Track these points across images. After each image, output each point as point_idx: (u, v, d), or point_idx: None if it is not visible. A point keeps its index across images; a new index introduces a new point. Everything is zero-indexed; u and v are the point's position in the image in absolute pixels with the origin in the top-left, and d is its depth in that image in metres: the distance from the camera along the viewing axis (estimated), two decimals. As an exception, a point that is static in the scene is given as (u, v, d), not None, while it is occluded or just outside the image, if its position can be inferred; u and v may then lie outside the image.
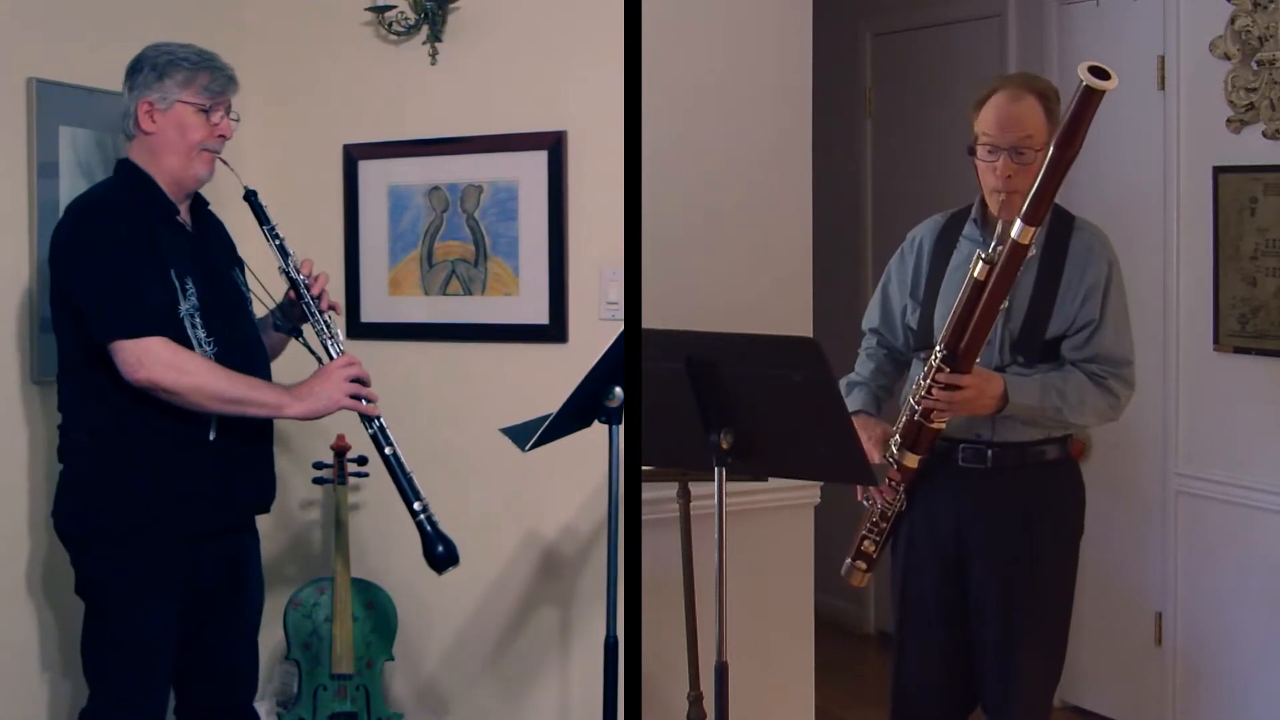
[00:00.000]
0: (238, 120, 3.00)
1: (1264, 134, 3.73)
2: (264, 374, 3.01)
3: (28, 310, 3.23)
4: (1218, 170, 3.86)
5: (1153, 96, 4.07)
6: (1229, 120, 3.81)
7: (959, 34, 4.83)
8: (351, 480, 3.67)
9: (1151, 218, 4.09)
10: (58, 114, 3.26)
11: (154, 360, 2.74)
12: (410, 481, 2.93)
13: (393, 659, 3.70)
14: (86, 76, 3.31)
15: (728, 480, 2.56)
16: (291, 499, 3.88)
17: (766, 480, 3.15)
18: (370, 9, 3.73)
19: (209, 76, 2.91)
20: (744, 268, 3.53)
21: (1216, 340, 3.91)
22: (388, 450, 2.93)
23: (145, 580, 2.85)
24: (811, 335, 3.31)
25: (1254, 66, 3.74)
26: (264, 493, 3.07)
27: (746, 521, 3.37)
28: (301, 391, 2.89)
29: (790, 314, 3.52)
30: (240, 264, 3.12)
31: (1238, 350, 3.86)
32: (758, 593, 3.53)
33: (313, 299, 2.98)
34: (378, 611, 3.67)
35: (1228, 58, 3.80)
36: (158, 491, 2.83)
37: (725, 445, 2.54)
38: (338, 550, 3.65)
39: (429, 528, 2.92)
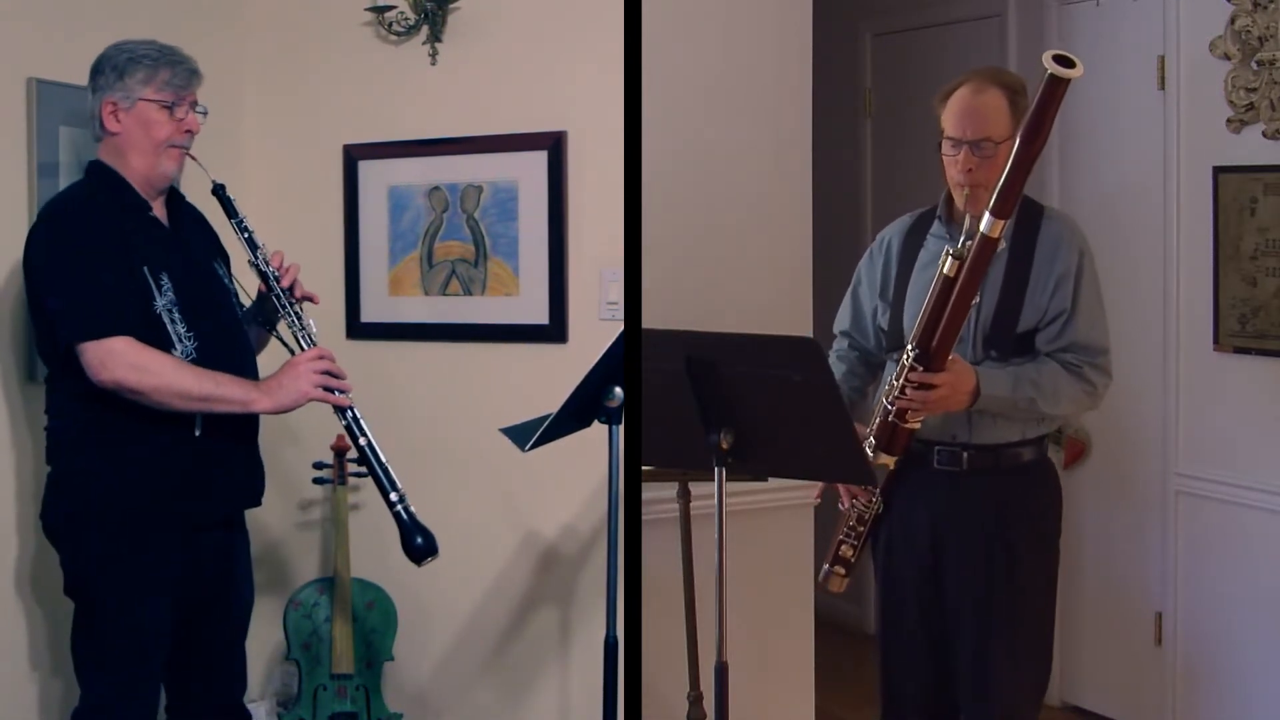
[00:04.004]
0: (205, 114, 2.97)
1: (1264, 134, 3.73)
2: (249, 365, 3.01)
3: (25, 310, 3.23)
4: (1218, 170, 3.86)
5: (1153, 96, 4.07)
6: (1229, 120, 3.81)
7: (959, 34, 4.83)
8: (351, 480, 3.67)
9: (1151, 218, 4.09)
10: (58, 114, 3.26)
11: (117, 361, 2.73)
12: (386, 472, 2.92)
13: (393, 659, 3.70)
14: (86, 76, 3.30)
15: (728, 480, 2.56)
16: (291, 499, 3.88)
17: (766, 480, 3.15)
18: (370, 9, 3.73)
19: (170, 72, 2.88)
20: (744, 268, 3.53)
21: (1216, 340, 3.91)
22: (362, 440, 2.92)
23: (134, 576, 2.84)
24: (811, 335, 3.31)
25: (1254, 66, 3.74)
26: (252, 486, 3.07)
27: (746, 521, 3.37)
28: (269, 386, 2.87)
29: (790, 314, 3.52)
30: (225, 256, 3.11)
31: (1238, 350, 3.85)
32: (758, 593, 3.53)
33: (283, 291, 2.97)
34: (378, 611, 3.67)
35: (1228, 58, 3.80)
36: (145, 488, 2.83)
37: (725, 445, 2.54)
38: (338, 550, 3.65)
39: (406, 518, 2.91)
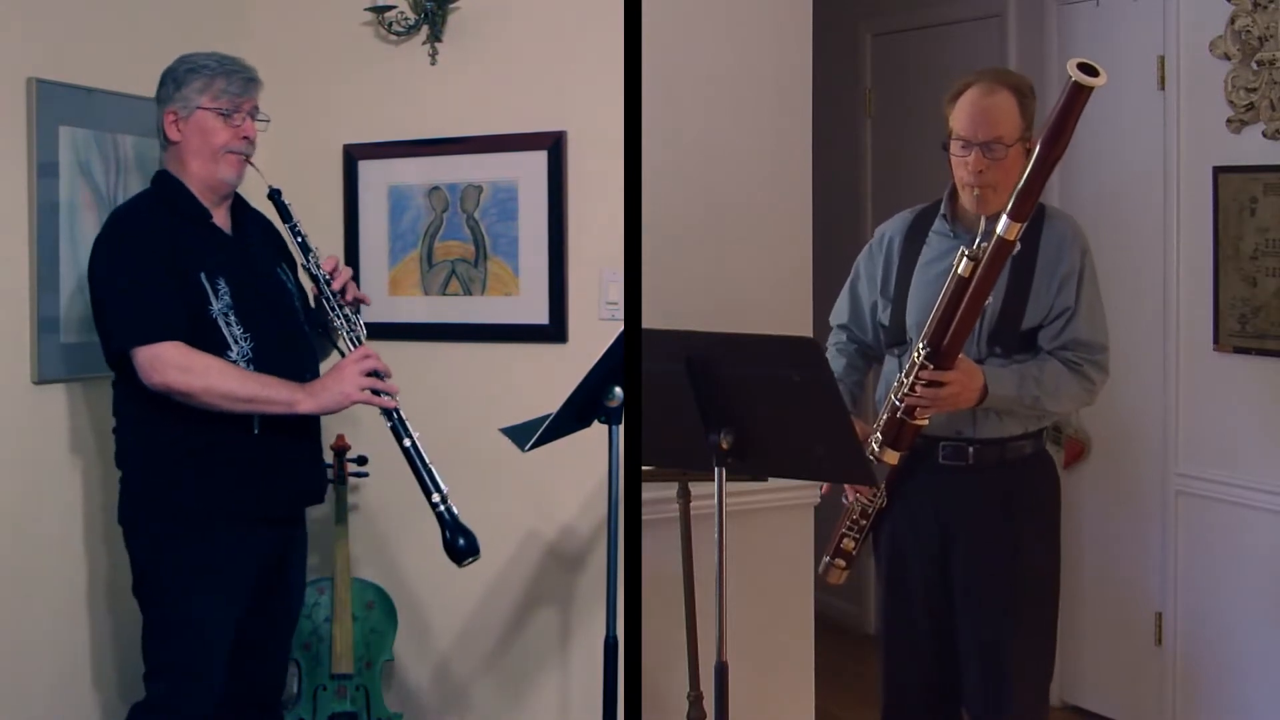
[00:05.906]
0: (266, 121, 3.06)
1: (1264, 134, 3.73)
2: (309, 364, 3.06)
3: (28, 310, 3.23)
4: (1218, 170, 3.86)
5: (1153, 96, 4.07)
6: (1229, 120, 3.81)
7: (959, 34, 4.83)
8: (351, 480, 3.67)
9: (1151, 218, 4.09)
10: (58, 114, 3.26)
11: (165, 365, 2.81)
12: (430, 473, 2.95)
13: (393, 659, 3.70)
14: (86, 76, 3.31)
15: (728, 480, 2.56)
16: (291, 499, 3.88)
17: (766, 480, 3.15)
18: (370, 9, 3.73)
19: (226, 80, 2.97)
20: (744, 267, 3.53)
21: (1216, 340, 3.91)
22: (406, 442, 2.95)
23: (193, 574, 2.90)
24: (811, 335, 3.30)
25: (1254, 66, 3.74)
26: (312, 484, 3.14)
27: (746, 521, 3.37)
28: (315, 388, 2.93)
29: (790, 314, 3.52)
30: (290, 259, 3.16)
31: (1238, 350, 3.85)
32: (758, 593, 3.53)
33: (333, 294, 3.02)
34: (378, 611, 3.67)
35: (1228, 58, 3.80)
36: (202, 486, 2.90)
37: (725, 445, 2.54)
38: (338, 550, 3.65)
39: (448, 518, 2.94)
